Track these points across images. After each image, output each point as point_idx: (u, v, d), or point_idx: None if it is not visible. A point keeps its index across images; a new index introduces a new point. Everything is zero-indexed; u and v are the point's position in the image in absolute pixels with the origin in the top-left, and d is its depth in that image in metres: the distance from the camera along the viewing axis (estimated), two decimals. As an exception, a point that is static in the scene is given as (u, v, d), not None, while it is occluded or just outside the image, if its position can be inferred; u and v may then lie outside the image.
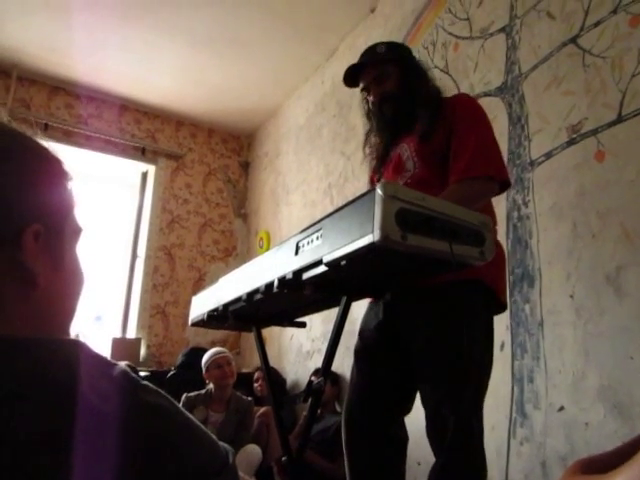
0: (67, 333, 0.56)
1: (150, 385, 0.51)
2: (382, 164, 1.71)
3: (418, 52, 3.11)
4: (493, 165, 1.48)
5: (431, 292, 1.43)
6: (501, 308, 1.55)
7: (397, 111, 1.64)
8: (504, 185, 1.52)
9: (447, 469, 1.38)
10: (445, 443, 1.38)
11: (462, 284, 1.40)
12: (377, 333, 1.57)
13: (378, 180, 1.75)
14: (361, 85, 1.71)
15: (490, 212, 1.56)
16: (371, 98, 1.69)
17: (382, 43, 1.70)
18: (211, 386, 3.05)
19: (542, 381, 2.05)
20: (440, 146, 1.52)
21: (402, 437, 1.58)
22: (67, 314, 0.57)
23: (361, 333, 1.64)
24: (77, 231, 0.58)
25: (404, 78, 1.64)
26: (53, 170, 0.56)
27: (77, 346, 0.50)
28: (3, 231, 0.49)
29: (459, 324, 1.40)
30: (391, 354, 1.55)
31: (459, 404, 1.37)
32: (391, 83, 1.64)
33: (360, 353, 1.62)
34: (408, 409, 1.60)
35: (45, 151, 0.56)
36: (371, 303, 1.66)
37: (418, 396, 1.55)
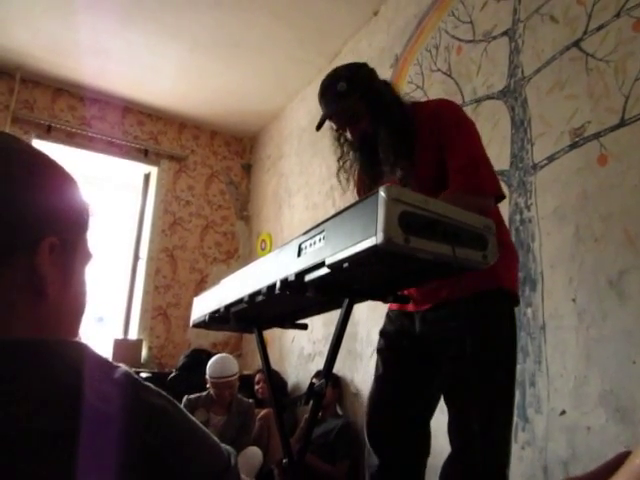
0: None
1: (152, 386, 0.51)
2: (376, 181, 1.65)
3: (421, 55, 3.11)
4: (486, 182, 1.46)
5: (459, 304, 1.44)
6: (517, 302, 1.56)
7: (380, 148, 1.57)
8: (498, 198, 1.52)
9: (462, 467, 1.38)
10: (467, 444, 1.38)
11: (487, 296, 1.42)
12: (401, 335, 1.59)
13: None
14: (335, 124, 1.64)
15: (496, 213, 1.56)
16: (349, 136, 1.62)
17: (340, 76, 1.58)
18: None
19: (544, 385, 2.05)
20: (433, 156, 1.50)
21: (426, 434, 1.59)
22: (71, 326, 0.58)
23: (383, 334, 1.65)
24: (88, 255, 0.61)
25: (374, 114, 1.55)
26: (72, 190, 0.59)
27: (81, 348, 0.50)
28: (20, 239, 0.51)
29: (486, 335, 1.41)
30: (417, 355, 1.56)
31: (489, 418, 1.37)
32: (365, 122, 1.56)
33: (384, 352, 1.63)
34: (433, 409, 1.60)
35: (66, 172, 0.59)
36: (394, 310, 1.66)
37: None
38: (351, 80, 1.56)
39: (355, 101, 1.55)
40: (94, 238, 0.62)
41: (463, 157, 1.47)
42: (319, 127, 1.65)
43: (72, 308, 0.58)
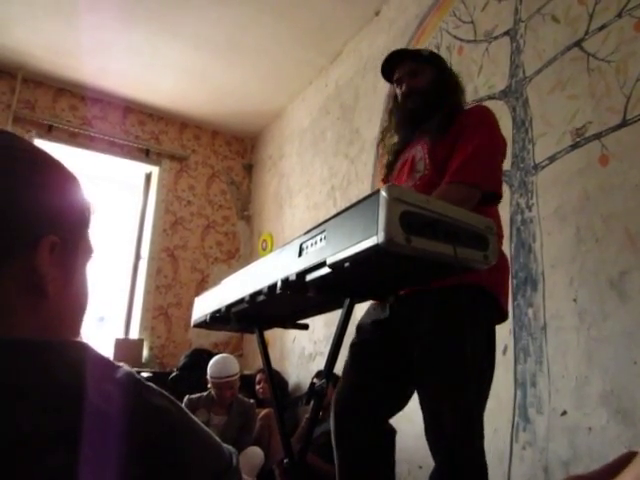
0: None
1: (154, 387, 0.51)
2: (395, 161, 1.74)
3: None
4: (481, 173, 1.48)
5: (432, 296, 1.43)
6: (502, 316, 1.55)
7: (420, 107, 1.67)
8: (494, 197, 1.53)
9: (445, 473, 1.38)
10: (443, 449, 1.38)
11: (462, 289, 1.40)
12: (375, 330, 1.58)
13: (388, 176, 1.77)
14: (396, 75, 1.74)
15: (495, 220, 1.56)
16: (400, 90, 1.73)
17: (428, 49, 1.87)
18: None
19: (545, 385, 2.04)
20: (449, 151, 1.54)
21: (389, 429, 1.58)
22: (73, 325, 0.57)
23: (359, 328, 1.65)
24: (89, 251, 0.60)
25: (437, 80, 1.69)
26: (73, 188, 0.58)
27: (83, 348, 0.50)
28: (20, 239, 0.50)
29: (459, 329, 1.40)
30: (388, 352, 1.55)
31: (458, 410, 1.37)
32: (423, 79, 1.69)
33: (355, 347, 1.62)
34: (399, 407, 1.60)
35: (67, 170, 0.58)
36: (373, 304, 1.66)
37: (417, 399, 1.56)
38: (433, 55, 1.79)
39: (425, 65, 1.72)
40: (95, 236, 0.62)
41: (468, 148, 1.49)
42: (384, 69, 1.77)
43: (74, 306, 0.57)
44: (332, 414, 1.57)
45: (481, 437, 1.40)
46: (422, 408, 1.46)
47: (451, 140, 1.54)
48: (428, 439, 1.43)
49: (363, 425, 1.52)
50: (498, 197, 1.55)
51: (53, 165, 0.56)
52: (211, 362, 3.06)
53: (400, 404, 1.59)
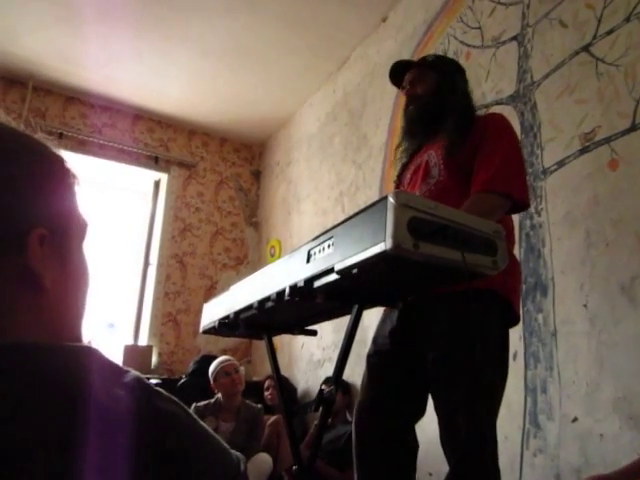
0: (79, 334, 0.55)
1: (163, 392, 0.51)
2: (406, 167, 1.75)
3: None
4: (514, 183, 1.48)
5: (445, 301, 1.43)
6: (515, 319, 1.54)
7: (421, 114, 1.69)
8: (522, 206, 1.54)
9: (459, 477, 1.37)
10: (458, 452, 1.37)
11: (476, 294, 1.39)
12: (391, 339, 1.57)
13: (399, 183, 1.77)
14: (403, 83, 1.78)
15: (508, 226, 1.55)
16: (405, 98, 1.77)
17: (435, 54, 1.87)
18: (219, 396, 3.04)
19: (556, 392, 2.03)
20: (467, 160, 1.53)
21: (412, 443, 1.57)
22: (76, 314, 0.56)
23: (375, 339, 1.64)
24: (83, 228, 0.57)
25: (438, 86, 1.68)
26: (54, 171, 0.55)
27: (89, 353, 0.49)
28: (6, 237, 0.48)
29: (473, 334, 1.39)
30: (404, 360, 1.55)
31: (472, 413, 1.36)
32: (423, 87, 1.71)
33: (372, 358, 1.62)
34: (419, 415, 1.59)
35: (46, 150, 0.55)
36: (386, 311, 1.66)
37: (430, 406, 1.55)
38: (439, 59, 1.82)
39: (429, 70, 1.74)
40: (91, 217, 0.57)
41: (495, 157, 1.48)
42: (392, 77, 1.82)
43: (74, 290, 0.55)
44: (353, 428, 1.57)
45: (495, 442, 1.39)
46: (437, 412, 1.45)
47: (469, 147, 1.53)
48: (443, 443, 1.42)
49: (383, 440, 1.52)
50: (527, 206, 1.55)
51: (28, 151, 0.53)
52: (210, 367, 3.12)
53: (421, 410, 1.58)
